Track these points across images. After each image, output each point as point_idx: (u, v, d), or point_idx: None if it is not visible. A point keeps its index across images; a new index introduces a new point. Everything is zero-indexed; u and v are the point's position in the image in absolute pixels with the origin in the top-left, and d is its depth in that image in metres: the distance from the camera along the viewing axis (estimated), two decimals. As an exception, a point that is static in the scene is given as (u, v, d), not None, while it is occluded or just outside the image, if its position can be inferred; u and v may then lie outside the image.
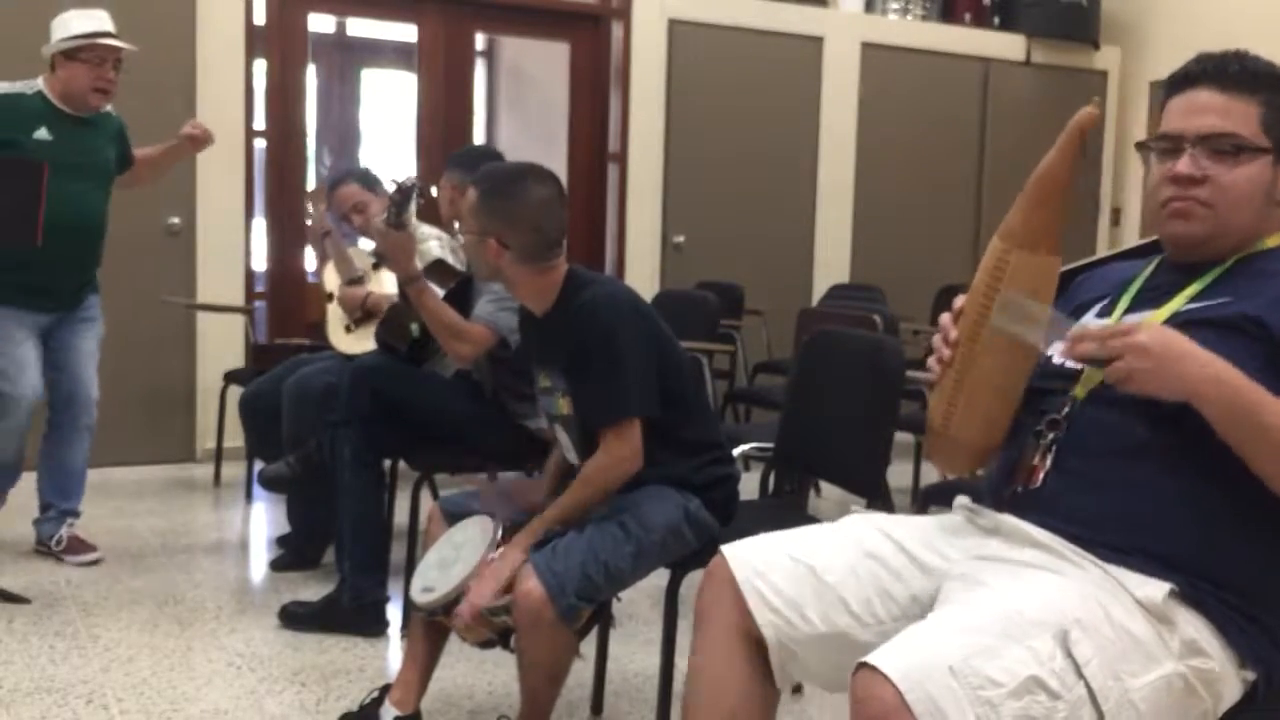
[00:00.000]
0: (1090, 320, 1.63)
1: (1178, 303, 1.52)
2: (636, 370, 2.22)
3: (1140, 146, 1.59)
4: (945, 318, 1.57)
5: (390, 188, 2.92)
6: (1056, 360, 1.60)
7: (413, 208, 2.95)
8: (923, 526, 1.63)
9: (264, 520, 4.31)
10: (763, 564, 1.58)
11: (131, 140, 3.78)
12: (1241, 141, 1.49)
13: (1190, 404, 1.36)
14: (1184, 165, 1.50)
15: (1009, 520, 1.53)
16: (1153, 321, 1.47)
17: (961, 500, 1.66)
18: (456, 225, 3.42)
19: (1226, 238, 1.53)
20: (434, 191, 3.65)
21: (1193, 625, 1.39)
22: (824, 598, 1.54)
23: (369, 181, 3.95)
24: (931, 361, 1.59)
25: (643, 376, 2.23)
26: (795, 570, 1.56)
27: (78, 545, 3.68)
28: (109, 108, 3.70)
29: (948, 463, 1.64)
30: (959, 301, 1.56)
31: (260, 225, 5.44)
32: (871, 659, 1.31)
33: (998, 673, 1.28)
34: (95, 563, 3.64)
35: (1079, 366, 1.56)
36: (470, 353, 2.93)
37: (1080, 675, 1.30)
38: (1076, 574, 1.42)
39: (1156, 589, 1.38)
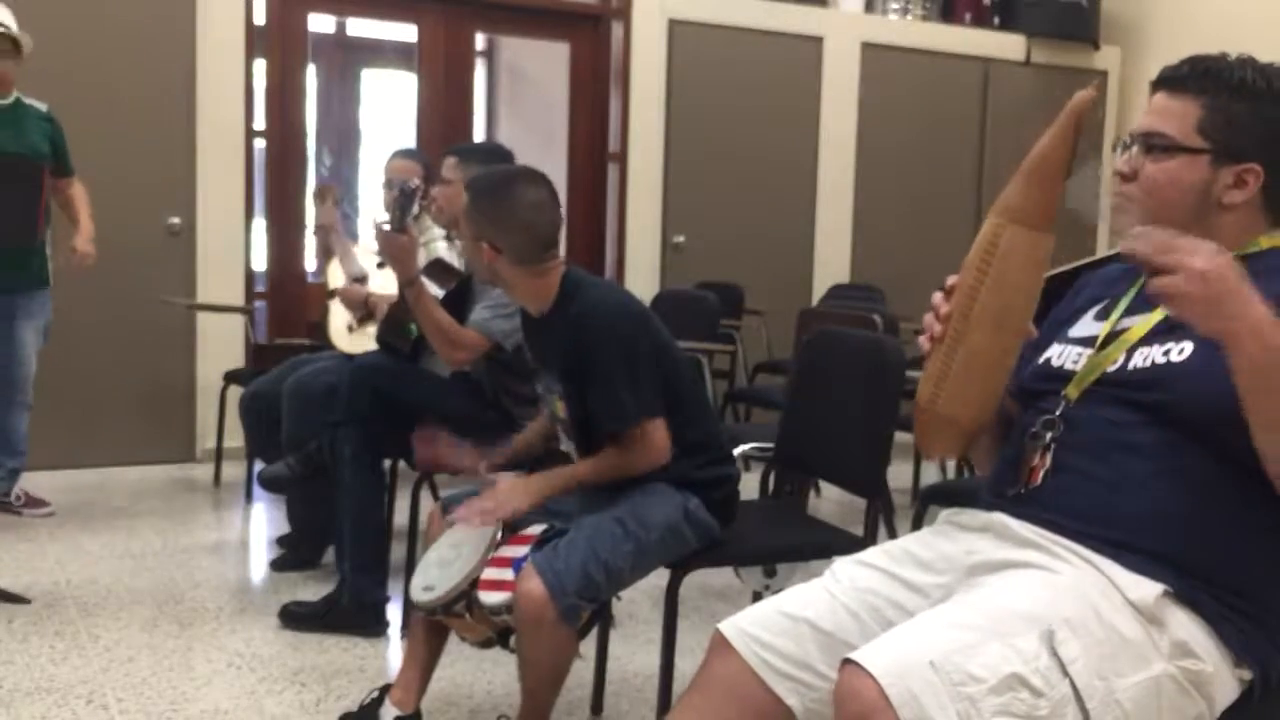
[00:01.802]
0: (1088, 322, 1.63)
1: None
2: (639, 373, 2.23)
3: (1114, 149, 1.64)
4: (937, 295, 1.57)
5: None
6: (1055, 362, 1.61)
7: (415, 211, 2.95)
8: (908, 548, 1.61)
9: (264, 520, 4.31)
10: (759, 630, 1.54)
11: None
12: (1166, 140, 1.52)
13: (1221, 343, 1.30)
14: (1119, 162, 1.57)
15: (999, 518, 1.53)
16: (1215, 249, 1.33)
17: (947, 513, 1.66)
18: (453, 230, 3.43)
19: None
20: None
21: (1185, 626, 1.39)
22: (828, 647, 1.51)
23: (429, 166, 3.89)
24: (922, 339, 1.59)
25: (645, 378, 2.24)
26: (793, 628, 1.53)
27: (34, 501, 4.15)
28: (41, 105, 3.93)
29: (935, 440, 1.60)
30: (951, 280, 1.56)
31: (260, 225, 5.44)
32: (855, 655, 1.31)
33: (979, 669, 1.28)
34: (50, 515, 4.13)
35: (1074, 368, 1.56)
36: (464, 358, 2.95)
37: (1065, 674, 1.30)
38: (1068, 571, 1.42)
39: (1149, 590, 1.38)
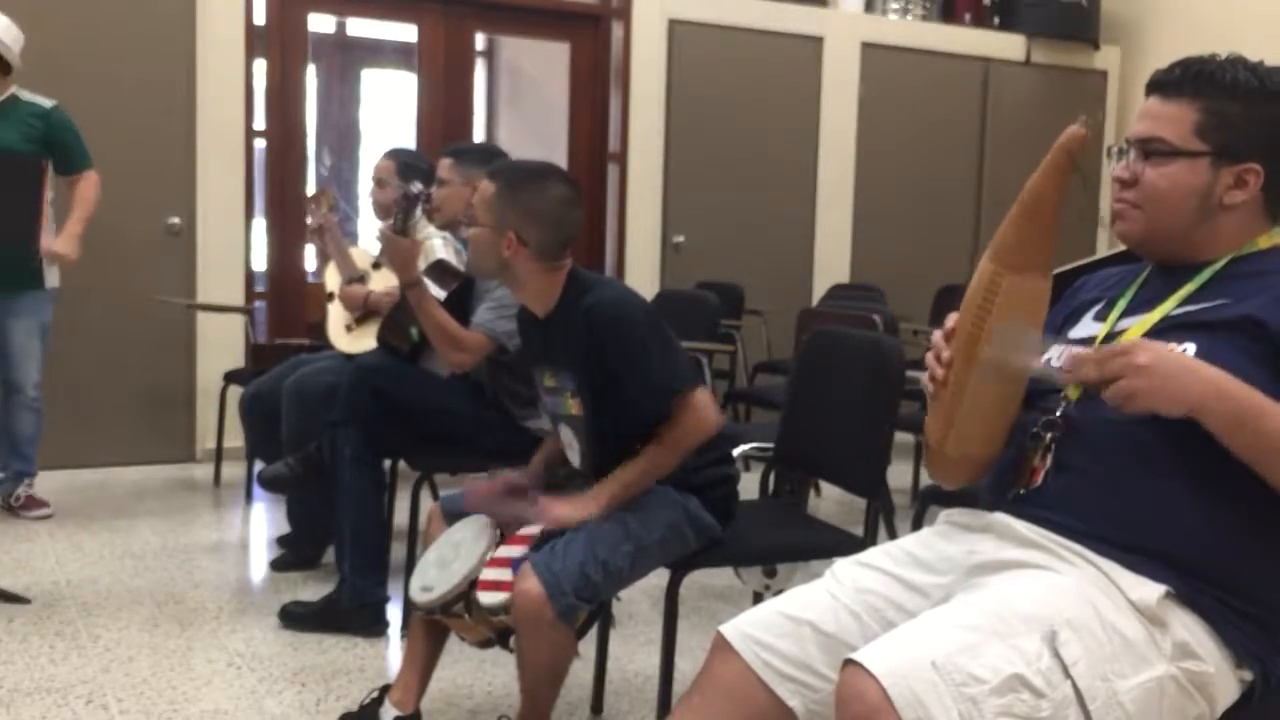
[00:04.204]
0: (1088, 323, 1.64)
1: (1169, 306, 1.53)
2: (667, 347, 2.24)
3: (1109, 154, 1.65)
4: (937, 336, 1.58)
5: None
6: (1056, 363, 1.60)
7: (418, 214, 2.95)
8: (909, 549, 1.62)
9: (264, 520, 4.31)
10: (760, 632, 1.55)
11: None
12: (1165, 146, 1.53)
13: (1193, 418, 1.36)
14: (1119, 169, 1.58)
15: (1000, 519, 1.53)
16: (1142, 338, 1.47)
17: (947, 513, 1.67)
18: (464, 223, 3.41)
19: (1167, 239, 1.56)
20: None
21: (1186, 627, 1.39)
22: (829, 649, 1.51)
23: (407, 166, 3.87)
24: (925, 379, 1.59)
25: (674, 350, 2.26)
26: (795, 630, 1.54)
27: (33, 503, 4.16)
28: (44, 103, 3.95)
29: (948, 477, 1.64)
30: (951, 320, 1.57)
31: (260, 225, 5.44)
32: (857, 656, 1.32)
33: (981, 670, 1.28)
34: (48, 517, 4.12)
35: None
36: (467, 361, 2.94)
37: (1067, 675, 1.30)
38: (1070, 572, 1.42)
39: (1151, 591, 1.38)
